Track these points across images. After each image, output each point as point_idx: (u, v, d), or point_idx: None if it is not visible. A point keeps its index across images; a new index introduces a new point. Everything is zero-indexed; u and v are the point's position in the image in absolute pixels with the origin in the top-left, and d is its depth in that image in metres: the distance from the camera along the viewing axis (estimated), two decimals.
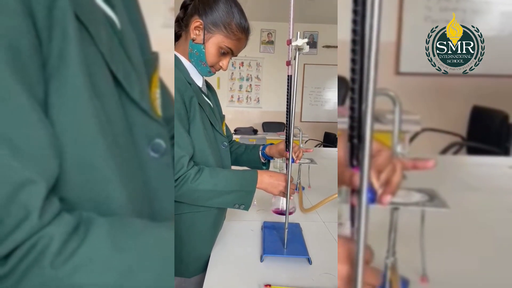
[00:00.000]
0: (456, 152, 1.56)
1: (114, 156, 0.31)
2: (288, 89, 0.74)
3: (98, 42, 0.31)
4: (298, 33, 0.61)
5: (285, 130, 0.78)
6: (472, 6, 1.48)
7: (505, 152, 1.49)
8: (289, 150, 0.72)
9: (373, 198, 0.28)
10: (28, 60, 0.26)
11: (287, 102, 0.77)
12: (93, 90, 0.30)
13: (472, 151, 1.57)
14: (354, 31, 0.27)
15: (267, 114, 4.23)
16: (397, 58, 1.67)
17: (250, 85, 4.18)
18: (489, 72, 1.56)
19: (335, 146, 3.09)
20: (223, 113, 0.86)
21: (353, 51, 0.30)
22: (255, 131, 3.40)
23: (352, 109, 0.30)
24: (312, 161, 1.23)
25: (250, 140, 3.18)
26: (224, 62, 0.70)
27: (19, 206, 0.24)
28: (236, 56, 0.72)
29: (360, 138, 0.29)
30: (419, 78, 1.61)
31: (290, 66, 0.72)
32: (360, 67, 0.28)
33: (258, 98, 4.21)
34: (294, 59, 0.65)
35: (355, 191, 0.31)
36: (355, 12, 0.27)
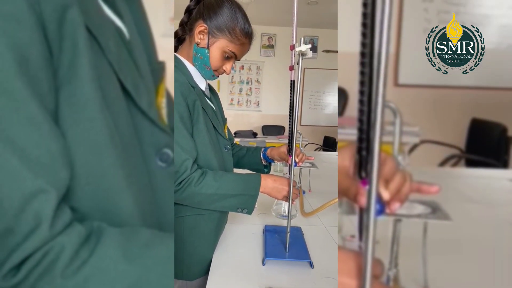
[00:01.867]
0: (454, 164, 1.56)
1: (123, 166, 0.31)
2: (291, 93, 0.75)
3: (108, 53, 0.31)
4: (302, 38, 0.62)
5: (287, 134, 0.78)
6: (471, 19, 1.50)
7: (504, 165, 1.49)
8: (291, 154, 0.72)
9: (381, 209, 0.28)
10: (39, 71, 0.26)
11: (290, 106, 0.78)
12: (103, 100, 0.30)
13: (470, 163, 1.58)
14: (363, 44, 0.28)
15: (267, 117, 4.24)
16: (396, 70, 1.68)
17: (250, 88, 4.20)
18: (488, 85, 1.57)
19: (335, 150, 3.10)
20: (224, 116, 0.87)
21: (362, 63, 0.30)
22: (254, 134, 3.40)
23: (360, 121, 0.29)
24: (313, 165, 1.23)
25: (250, 143, 3.19)
26: (227, 66, 0.70)
27: (30, 215, 0.24)
28: (239, 60, 0.73)
29: (369, 150, 0.28)
30: (418, 89, 1.62)
31: (293, 71, 0.73)
32: (369, 79, 0.28)
33: (258, 101, 4.23)
34: (297, 64, 0.66)
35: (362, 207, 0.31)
36: (364, 25, 0.27)
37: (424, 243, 0.51)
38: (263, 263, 0.68)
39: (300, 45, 0.61)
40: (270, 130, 4.08)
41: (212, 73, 0.70)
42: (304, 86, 4.19)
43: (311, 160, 0.90)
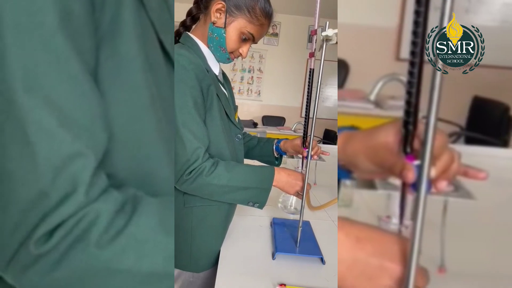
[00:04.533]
0: (454, 142, 1.55)
1: (162, 132, 0.29)
2: (309, 83, 0.71)
3: (149, 10, 0.28)
4: (328, 22, 0.58)
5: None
6: None
7: (504, 144, 1.48)
8: (307, 147, 0.69)
9: (428, 187, 0.26)
10: (81, 26, 0.24)
11: (308, 97, 0.74)
12: (146, 61, 0.28)
13: (470, 141, 1.56)
14: (413, 43, 0.27)
15: (267, 107, 4.19)
16: (398, 44, 1.64)
17: (252, 77, 4.12)
18: (491, 63, 1.54)
19: (335, 144, 3.08)
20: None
21: (414, 43, 0.27)
22: (255, 124, 3.36)
23: (409, 93, 0.28)
24: (320, 157, 1.21)
25: (251, 133, 3.15)
26: (244, 49, 0.66)
27: (66, 179, 0.22)
28: (256, 43, 0.69)
29: (416, 124, 0.28)
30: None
31: (313, 59, 0.69)
32: (420, 52, 0.27)
33: (259, 91, 4.16)
34: (320, 50, 0.62)
35: (406, 183, 0.30)
36: (416, 23, 0.26)
37: (444, 221, 0.49)
38: (273, 258, 0.66)
39: (326, 29, 0.57)
40: (270, 120, 4.04)
41: (227, 56, 0.66)
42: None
43: (326, 155, 0.87)
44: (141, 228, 0.24)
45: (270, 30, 3.95)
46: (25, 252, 0.22)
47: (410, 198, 0.30)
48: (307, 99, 0.70)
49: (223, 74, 0.76)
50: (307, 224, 0.81)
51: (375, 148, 0.32)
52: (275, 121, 4.03)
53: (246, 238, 0.75)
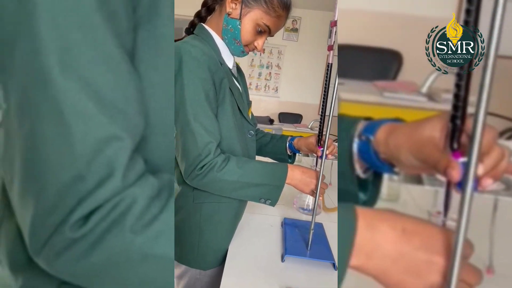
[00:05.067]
0: (510, 138, 1.44)
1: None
2: (326, 78, 0.67)
3: None
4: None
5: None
6: None
7: None
8: (322, 145, 0.66)
9: (474, 184, 0.25)
10: (119, 7, 0.24)
11: (324, 92, 0.70)
12: None
13: None
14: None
15: (284, 104, 4.13)
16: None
17: (270, 73, 4.08)
18: None
19: None
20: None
21: (467, 12, 0.25)
22: (271, 121, 3.32)
23: (457, 86, 0.26)
24: (336, 157, 1.16)
25: (266, 130, 3.11)
26: (259, 42, 0.63)
27: (103, 163, 0.22)
28: (272, 36, 0.66)
29: (464, 119, 0.26)
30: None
31: (331, 52, 0.65)
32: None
33: (277, 87, 4.11)
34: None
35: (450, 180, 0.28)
36: (467, 12, 0.25)
37: (494, 221, 0.47)
38: (282, 260, 0.64)
39: None
40: (287, 117, 3.98)
41: (242, 49, 0.63)
42: None
43: None
44: None
45: (290, 25, 3.89)
46: (60, 236, 0.21)
47: (456, 195, 0.29)
48: (324, 94, 0.67)
49: (238, 68, 0.74)
50: (319, 226, 0.78)
51: (419, 143, 0.30)
52: (292, 118, 3.97)
53: (255, 237, 0.73)
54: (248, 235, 0.73)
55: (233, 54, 0.66)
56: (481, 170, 0.27)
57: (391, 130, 0.34)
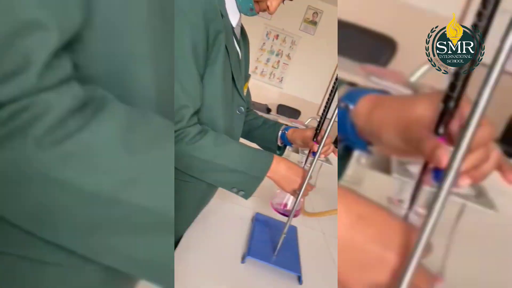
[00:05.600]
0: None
1: (148, 30, 0.26)
2: (336, 79, 0.57)
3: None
4: None
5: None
6: None
7: None
8: (318, 142, 0.56)
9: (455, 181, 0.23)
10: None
11: (332, 89, 0.60)
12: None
13: (509, 155, 1.44)
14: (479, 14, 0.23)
15: (285, 97, 4.02)
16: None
17: (278, 61, 3.93)
18: None
19: None
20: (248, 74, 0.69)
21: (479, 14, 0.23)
22: (268, 110, 3.22)
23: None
24: (327, 160, 1.08)
25: None
26: (273, 2, 0.52)
27: (18, 52, 0.18)
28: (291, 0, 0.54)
29: (458, 102, 0.25)
30: None
31: None
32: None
33: (282, 77, 3.98)
34: None
35: (429, 167, 0.26)
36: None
37: (455, 226, 0.45)
38: (243, 261, 0.55)
39: None
40: (285, 110, 3.88)
41: (251, 5, 0.52)
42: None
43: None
44: (98, 138, 0.20)
45: (310, 17, 3.73)
46: None
47: (426, 187, 0.27)
48: (332, 91, 0.56)
49: (242, 29, 0.62)
50: (293, 230, 0.70)
51: (408, 120, 0.28)
52: (290, 112, 3.87)
53: (218, 228, 0.63)
54: (210, 224, 0.64)
55: (239, 11, 0.55)
56: (463, 166, 0.23)
57: (376, 102, 0.31)
